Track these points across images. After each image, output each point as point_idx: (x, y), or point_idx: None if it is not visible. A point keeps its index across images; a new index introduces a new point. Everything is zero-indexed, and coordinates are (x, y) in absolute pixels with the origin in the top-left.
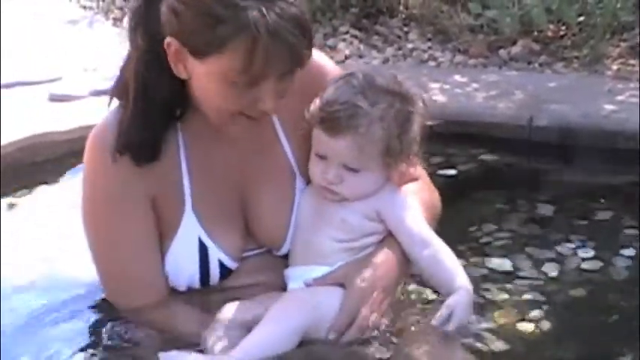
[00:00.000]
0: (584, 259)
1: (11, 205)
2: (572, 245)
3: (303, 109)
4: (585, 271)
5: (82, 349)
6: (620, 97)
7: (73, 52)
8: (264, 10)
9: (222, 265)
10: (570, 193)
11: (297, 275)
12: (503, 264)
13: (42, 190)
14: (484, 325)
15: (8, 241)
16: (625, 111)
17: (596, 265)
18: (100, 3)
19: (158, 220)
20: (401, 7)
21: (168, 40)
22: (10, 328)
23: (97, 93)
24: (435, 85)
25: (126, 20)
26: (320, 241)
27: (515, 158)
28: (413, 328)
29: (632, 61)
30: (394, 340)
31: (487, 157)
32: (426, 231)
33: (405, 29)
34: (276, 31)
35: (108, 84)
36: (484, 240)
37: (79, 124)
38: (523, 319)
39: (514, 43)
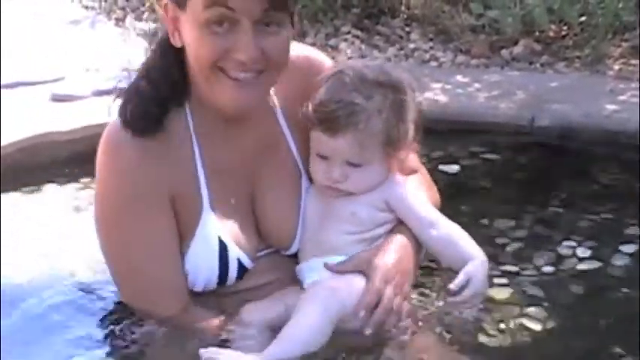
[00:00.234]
0: (585, 258)
1: (13, 205)
2: (574, 244)
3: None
4: (586, 270)
5: (85, 350)
6: (621, 97)
7: (75, 52)
8: None
9: (240, 264)
10: (571, 193)
11: (312, 268)
12: (503, 262)
13: (44, 191)
14: (485, 322)
15: (9, 242)
16: (626, 111)
17: (597, 264)
18: (102, 3)
19: (177, 220)
20: (402, 8)
21: (164, 3)
22: (10, 330)
23: (100, 93)
24: (436, 86)
25: (128, 20)
26: (332, 236)
27: (517, 158)
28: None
29: (633, 61)
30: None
31: (489, 156)
32: (434, 213)
33: (407, 29)
34: None
35: (110, 84)
36: (485, 239)
37: (82, 124)
38: (524, 317)
39: (516, 43)
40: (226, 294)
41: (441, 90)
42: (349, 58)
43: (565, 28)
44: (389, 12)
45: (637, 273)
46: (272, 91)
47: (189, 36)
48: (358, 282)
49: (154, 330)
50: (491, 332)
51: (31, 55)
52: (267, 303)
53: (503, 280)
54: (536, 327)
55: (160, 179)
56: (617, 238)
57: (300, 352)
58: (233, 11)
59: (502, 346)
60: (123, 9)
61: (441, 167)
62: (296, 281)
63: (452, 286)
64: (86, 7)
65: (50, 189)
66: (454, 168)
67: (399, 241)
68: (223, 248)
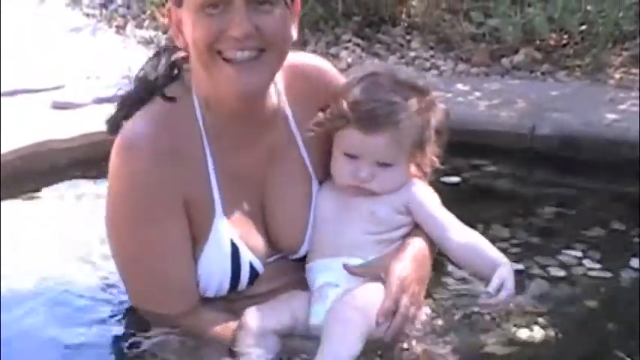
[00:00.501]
0: (587, 268)
1: (13, 213)
2: (575, 254)
3: (317, 112)
4: (587, 279)
5: (86, 356)
6: (622, 106)
7: (76, 60)
8: None
9: (252, 268)
10: (572, 202)
11: (325, 267)
12: None
13: (44, 198)
14: (490, 333)
15: (8, 248)
16: (627, 120)
17: (597, 274)
18: (103, 11)
19: (190, 223)
20: (403, 16)
21: (167, 6)
22: (10, 336)
23: (100, 101)
24: (437, 94)
25: (129, 28)
26: (351, 234)
27: (518, 167)
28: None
29: (634, 70)
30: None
31: (489, 165)
32: (453, 219)
33: (408, 37)
34: None
35: (111, 92)
36: None
37: (82, 131)
38: (529, 328)
39: (516, 51)
40: (236, 300)
41: (441, 98)
42: (349, 66)
43: (566, 36)
44: (390, 20)
45: (635, 285)
46: (282, 95)
47: (188, 26)
48: (378, 292)
49: (160, 335)
50: (496, 343)
51: (32, 63)
52: (273, 307)
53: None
54: (541, 338)
55: (173, 182)
56: (618, 247)
57: None
58: None
59: (507, 357)
60: (124, 17)
61: (442, 179)
62: (302, 285)
63: (489, 289)
64: (87, 15)
65: (50, 196)
66: (454, 178)
67: (417, 247)
68: (235, 252)
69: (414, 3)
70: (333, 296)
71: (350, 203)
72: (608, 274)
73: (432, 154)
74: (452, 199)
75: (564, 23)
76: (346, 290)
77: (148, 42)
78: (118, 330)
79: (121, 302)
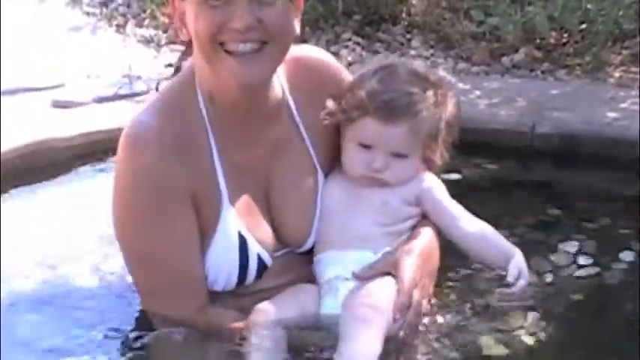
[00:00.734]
0: (585, 266)
1: (12, 211)
2: (575, 252)
3: (322, 105)
4: (586, 277)
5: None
6: (622, 105)
7: (76, 59)
8: None
9: (260, 260)
10: (572, 200)
11: (334, 260)
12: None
13: (44, 197)
14: (485, 331)
15: (9, 247)
16: (627, 118)
17: (598, 271)
18: (104, 10)
19: (198, 216)
20: (403, 14)
21: (170, 0)
22: (10, 335)
23: (100, 99)
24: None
25: (129, 27)
26: (360, 226)
27: (518, 165)
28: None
29: (634, 69)
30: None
31: (489, 164)
32: (464, 210)
33: (408, 36)
34: None
35: (111, 91)
36: None
37: (82, 130)
38: (523, 325)
39: (516, 50)
40: (244, 295)
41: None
42: (350, 64)
43: (566, 35)
44: (390, 19)
45: (636, 280)
46: (285, 88)
47: (192, 19)
48: (390, 287)
49: (167, 330)
50: (490, 340)
51: (32, 62)
52: (282, 303)
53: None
54: (535, 335)
55: (180, 175)
56: (618, 246)
57: None
58: None
59: (500, 355)
60: (124, 15)
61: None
62: (309, 279)
63: (509, 279)
64: (87, 14)
65: (50, 195)
66: (454, 177)
67: (425, 240)
68: (244, 244)
69: (414, 1)
70: (344, 289)
71: (360, 194)
72: (609, 273)
73: (443, 147)
74: (451, 196)
75: (564, 22)
76: (358, 285)
77: (148, 41)
78: (124, 326)
79: (125, 299)
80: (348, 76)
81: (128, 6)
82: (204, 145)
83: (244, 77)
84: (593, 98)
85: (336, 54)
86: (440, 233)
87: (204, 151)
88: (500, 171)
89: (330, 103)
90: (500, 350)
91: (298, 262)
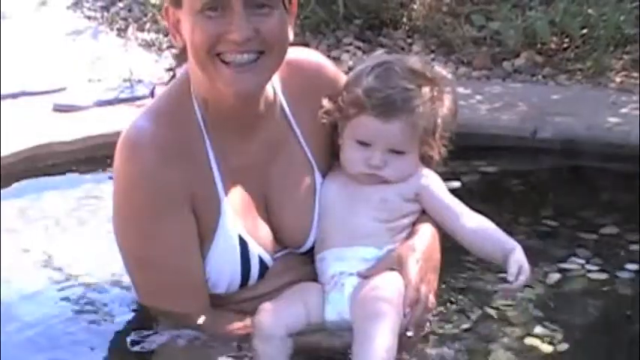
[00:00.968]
0: (587, 272)
1: (14, 215)
2: (576, 258)
3: (316, 105)
4: (589, 285)
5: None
6: (623, 110)
7: (78, 63)
8: None
9: (261, 262)
10: (574, 205)
11: (338, 257)
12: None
13: (45, 201)
14: (489, 338)
15: (10, 251)
16: (628, 123)
17: (599, 277)
18: (105, 14)
19: (197, 220)
20: (404, 19)
21: (165, 6)
22: (10, 338)
23: (102, 103)
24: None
25: (130, 31)
26: (361, 222)
27: (519, 170)
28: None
29: (635, 74)
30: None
31: (491, 168)
32: (464, 206)
33: (409, 41)
34: None
35: (112, 94)
36: None
37: (83, 134)
38: (528, 334)
39: (517, 55)
40: (247, 297)
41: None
42: (350, 69)
43: (567, 40)
44: (391, 23)
45: (635, 290)
46: (279, 90)
47: (187, 29)
48: (397, 282)
49: (168, 332)
50: (495, 348)
51: (33, 66)
52: (286, 304)
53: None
54: (540, 344)
55: (178, 179)
56: (620, 252)
57: None
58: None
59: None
60: (125, 19)
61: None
62: (311, 279)
63: (509, 277)
64: (88, 18)
65: (51, 199)
66: (455, 182)
67: (427, 235)
68: (244, 246)
69: (415, 6)
70: (349, 285)
71: (359, 192)
72: (610, 279)
73: (441, 143)
74: None
75: (566, 27)
76: (363, 281)
77: (149, 45)
78: (125, 328)
79: (127, 300)
80: (342, 77)
81: (129, 10)
82: (201, 149)
83: (241, 87)
84: (595, 103)
85: (337, 58)
86: (440, 229)
87: (201, 155)
88: (501, 176)
89: (327, 102)
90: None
91: (299, 263)
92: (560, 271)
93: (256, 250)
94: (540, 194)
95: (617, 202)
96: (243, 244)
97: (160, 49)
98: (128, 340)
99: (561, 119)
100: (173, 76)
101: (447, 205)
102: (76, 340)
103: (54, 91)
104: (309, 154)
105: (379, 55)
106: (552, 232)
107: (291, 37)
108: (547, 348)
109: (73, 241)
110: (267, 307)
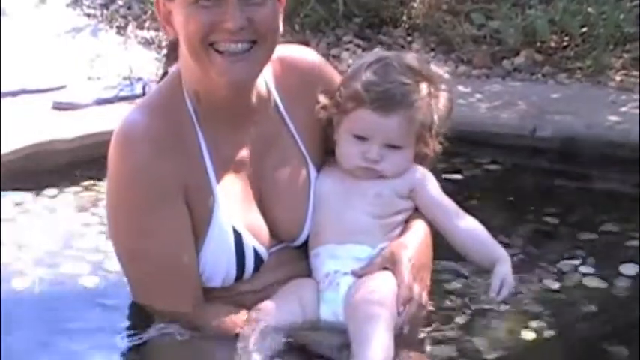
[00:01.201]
0: (587, 273)
1: (14, 213)
2: (576, 255)
3: (308, 101)
4: (589, 284)
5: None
6: (623, 109)
7: (77, 61)
8: None
9: (256, 254)
10: (573, 204)
11: (333, 254)
12: None
13: (45, 199)
14: (485, 335)
15: (10, 248)
16: (628, 122)
17: (599, 274)
18: (104, 11)
19: (191, 212)
20: (404, 17)
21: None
22: (10, 337)
23: (101, 101)
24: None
25: (130, 28)
26: (355, 217)
27: (519, 169)
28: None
29: (635, 73)
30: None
31: (490, 167)
32: (456, 206)
33: (409, 39)
34: None
35: (112, 92)
36: None
37: (83, 132)
38: (525, 330)
39: (517, 53)
40: (242, 291)
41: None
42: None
43: (566, 39)
44: (391, 22)
45: (634, 288)
46: (271, 85)
47: (180, 20)
48: (390, 281)
49: (163, 328)
50: (491, 345)
51: (33, 63)
52: (282, 302)
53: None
54: (536, 341)
55: (172, 172)
56: (620, 250)
57: None
58: None
59: None
60: (125, 17)
61: (443, 176)
62: (305, 273)
63: (491, 293)
64: (88, 16)
65: (52, 197)
66: (456, 177)
67: (420, 233)
68: (238, 238)
69: (415, 4)
70: (344, 284)
71: (354, 186)
72: (608, 278)
73: (437, 140)
74: (452, 200)
75: (565, 25)
76: (358, 280)
77: (149, 43)
78: (121, 324)
79: (123, 297)
80: (335, 74)
81: (129, 8)
82: (193, 142)
83: (235, 76)
84: (594, 102)
85: (337, 57)
86: (432, 227)
87: (193, 147)
88: (500, 174)
89: (323, 98)
90: (501, 355)
91: (294, 257)
92: (558, 268)
93: (251, 242)
94: (539, 193)
95: (616, 200)
96: (237, 236)
97: (160, 47)
98: (124, 335)
99: (561, 118)
100: (164, 75)
101: (441, 204)
102: (73, 337)
103: (54, 89)
104: (302, 149)
105: (376, 52)
106: (551, 231)
107: (281, 27)
108: (540, 344)
109: (72, 239)
110: (263, 305)
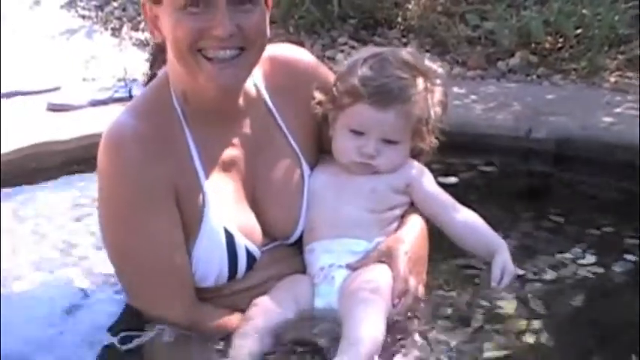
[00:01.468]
0: (582, 269)
1: (9, 214)
2: (570, 256)
3: (300, 100)
4: (582, 280)
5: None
6: (617, 110)
7: (72, 62)
8: None
9: (248, 253)
10: (568, 205)
11: (328, 248)
12: None
13: (40, 200)
14: (484, 332)
15: (6, 249)
16: (623, 123)
17: (593, 276)
18: (99, 13)
19: (182, 213)
20: (399, 19)
21: (142, 2)
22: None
23: (96, 103)
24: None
25: (124, 30)
26: (351, 212)
27: (514, 170)
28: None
29: (629, 74)
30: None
31: (485, 169)
32: (452, 199)
33: (404, 40)
34: None
35: (106, 94)
36: None
37: (78, 134)
38: (524, 327)
39: (512, 55)
40: (236, 291)
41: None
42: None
43: (561, 40)
44: (386, 23)
45: (634, 287)
46: (261, 83)
47: (168, 25)
48: (386, 274)
49: (157, 335)
50: (490, 341)
51: (28, 65)
52: (277, 298)
53: (503, 290)
54: (536, 337)
55: (163, 175)
56: (614, 251)
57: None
58: None
59: (501, 356)
60: (119, 19)
61: (439, 179)
62: (299, 270)
63: (492, 282)
64: (83, 17)
65: (46, 198)
66: (451, 180)
67: (416, 228)
68: (230, 238)
69: (410, 6)
70: (339, 277)
71: (349, 182)
72: (604, 277)
73: (432, 135)
74: None
75: (560, 27)
76: (353, 273)
77: (143, 44)
78: (116, 326)
79: (116, 299)
80: (325, 71)
81: (124, 9)
82: (182, 142)
83: (223, 82)
84: (589, 103)
85: (332, 58)
86: (428, 221)
87: (183, 149)
88: (495, 176)
89: (319, 94)
90: (501, 352)
91: (287, 254)
92: (555, 267)
93: (242, 242)
94: (534, 194)
95: (611, 201)
96: (229, 236)
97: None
98: (118, 338)
99: (556, 119)
100: (150, 78)
101: (437, 198)
102: (68, 340)
103: (48, 91)
104: (295, 147)
105: (370, 48)
106: (546, 232)
107: (268, 32)
108: (539, 340)
109: (67, 241)
110: (257, 303)
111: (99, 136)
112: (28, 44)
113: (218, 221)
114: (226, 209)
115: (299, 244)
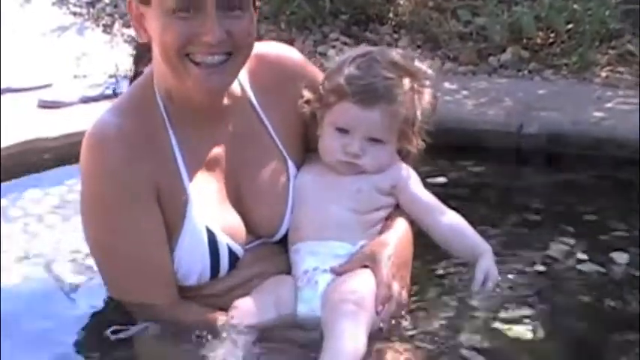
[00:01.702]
0: (575, 265)
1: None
2: (562, 251)
3: (286, 99)
4: (573, 277)
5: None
6: (609, 105)
7: (63, 59)
8: None
9: (231, 252)
10: (559, 200)
11: (312, 251)
12: None
13: (30, 197)
14: (476, 329)
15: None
16: (614, 118)
17: (587, 273)
18: (91, 10)
19: (164, 212)
20: (391, 14)
21: (128, 0)
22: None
23: (87, 100)
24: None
25: (116, 27)
26: (336, 211)
27: (505, 165)
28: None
29: (620, 69)
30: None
31: (476, 164)
32: (438, 201)
33: (395, 36)
34: None
35: (98, 91)
36: None
37: (69, 131)
38: (514, 324)
39: (503, 50)
40: (219, 290)
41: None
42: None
43: (552, 35)
44: (377, 19)
45: (622, 284)
46: (246, 82)
47: (156, 28)
48: (369, 279)
49: (146, 329)
50: (481, 338)
51: (19, 62)
52: (259, 300)
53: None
54: (526, 333)
55: (145, 174)
56: (606, 246)
57: None
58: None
59: (492, 351)
60: (111, 15)
61: (429, 179)
62: (283, 269)
63: (474, 287)
64: (74, 14)
65: (36, 195)
66: (441, 177)
67: (400, 230)
68: (212, 237)
69: (401, 1)
70: (322, 282)
71: (335, 181)
72: (596, 274)
73: (419, 136)
74: (439, 197)
75: (551, 22)
76: (336, 278)
77: (135, 41)
78: (100, 322)
79: (104, 295)
80: (312, 69)
81: (115, 6)
82: (165, 141)
83: (211, 86)
84: (580, 98)
85: (323, 54)
86: (413, 224)
87: (166, 148)
88: (487, 171)
89: (307, 92)
90: (491, 347)
91: (271, 253)
92: (545, 263)
93: (225, 240)
94: (526, 189)
95: (602, 195)
96: (211, 234)
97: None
98: (107, 332)
99: (547, 114)
100: (134, 77)
101: (423, 200)
102: (56, 335)
103: (39, 88)
104: (280, 145)
105: (361, 47)
106: (537, 226)
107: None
108: (530, 337)
109: (56, 238)
110: (239, 304)
111: None
112: (19, 41)
113: (200, 220)
114: (209, 208)
115: (284, 242)
